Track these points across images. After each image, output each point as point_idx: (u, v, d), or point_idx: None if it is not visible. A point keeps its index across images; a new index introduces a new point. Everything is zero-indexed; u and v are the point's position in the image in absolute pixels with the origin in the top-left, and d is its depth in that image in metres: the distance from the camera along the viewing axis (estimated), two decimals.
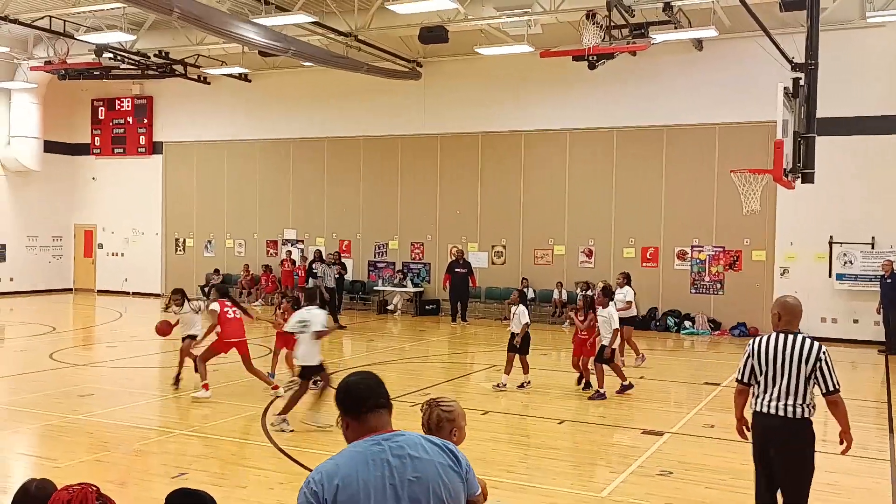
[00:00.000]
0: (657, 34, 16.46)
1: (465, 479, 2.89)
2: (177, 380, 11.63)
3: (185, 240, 26.20)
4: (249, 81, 24.48)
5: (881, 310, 16.78)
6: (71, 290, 27.58)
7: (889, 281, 16.59)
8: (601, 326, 11.65)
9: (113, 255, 27.28)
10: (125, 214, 26.83)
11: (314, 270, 21.71)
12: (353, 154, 23.55)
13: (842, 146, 17.41)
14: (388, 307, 22.62)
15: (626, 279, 14.40)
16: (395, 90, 22.26)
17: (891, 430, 10.03)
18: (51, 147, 26.26)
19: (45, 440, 9.06)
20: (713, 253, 19.53)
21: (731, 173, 13.15)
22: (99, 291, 27.26)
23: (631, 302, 14.27)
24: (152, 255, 26.51)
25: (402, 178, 22.98)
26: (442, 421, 3.74)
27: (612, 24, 15.55)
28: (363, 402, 2.89)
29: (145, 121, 26.59)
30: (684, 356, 16.66)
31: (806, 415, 5.27)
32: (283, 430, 9.19)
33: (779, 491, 5.50)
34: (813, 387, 5.30)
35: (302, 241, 24.28)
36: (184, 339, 11.72)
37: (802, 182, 11.01)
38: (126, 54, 21.16)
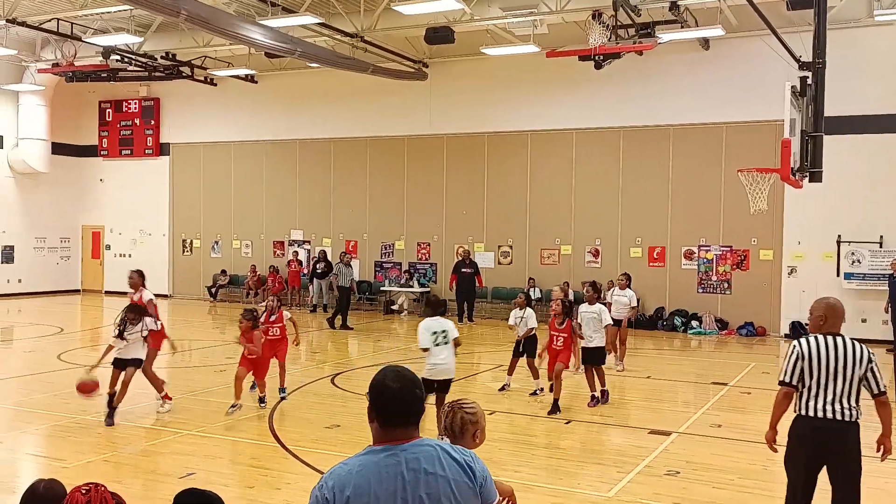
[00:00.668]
0: (664, 33, 16.43)
1: (479, 493, 2.79)
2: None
3: (192, 241, 26.27)
4: (256, 83, 24.53)
5: (889, 309, 16.70)
6: (79, 291, 27.68)
7: None
8: (588, 324, 11.11)
9: (120, 256, 27.36)
10: (133, 216, 26.91)
11: (318, 271, 21.78)
12: (360, 154, 23.58)
13: (849, 145, 17.34)
14: (394, 307, 22.63)
15: (629, 280, 14.10)
16: (401, 91, 22.28)
17: None
18: (58, 149, 26.35)
19: (53, 440, 9.10)
20: (720, 252, 19.48)
21: (739, 172, 13.12)
22: (107, 292, 27.35)
23: (636, 308, 14.09)
24: (160, 256, 26.59)
25: (408, 178, 22.99)
26: (466, 423, 3.71)
27: (619, 23, 15.53)
28: (397, 415, 2.76)
29: (152, 122, 26.67)
30: (691, 356, 16.62)
31: (859, 417, 5.21)
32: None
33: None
34: (861, 389, 5.23)
35: (309, 242, 24.31)
36: (128, 363, 9.89)
37: (810, 181, 10.98)
38: (133, 56, 21.23)
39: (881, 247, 17.66)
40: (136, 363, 9.78)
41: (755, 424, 10.19)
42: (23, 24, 18.85)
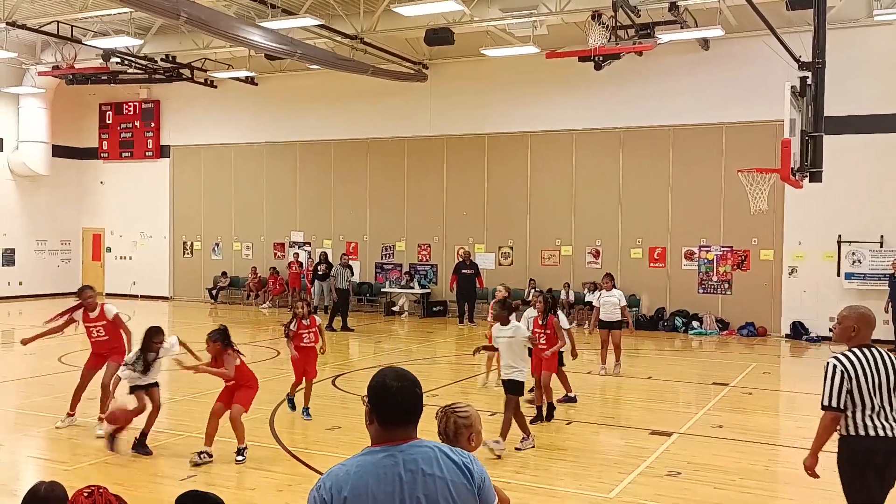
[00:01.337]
0: (663, 34, 16.44)
1: (478, 495, 2.78)
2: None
3: (192, 243, 26.28)
4: (256, 84, 24.54)
5: (890, 308, 16.70)
6: None
7: None
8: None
9: (121, 258, 27.38)
10: (133, 218, 26.93)
11: (319, 272, 21.79)
12: (360, 156, 23.59)
13: (849, 145, 17.33)
14: (394, 308, 22.64)
15: (613, 280, 13.58)
16: (401, 92, 22.29)
17: None
18: (59, 151, 26.37)
19: (54, 443, 9.10)
20: (721, 253, 19.48)
21: (739, 173, 13.13)
22: (107, 295, 27.34)
23: (626, 306, 13.54)
24: (160, 259, 26.60)
25: (408, 179, 23.00)
26: (460, 427, 3.71)
27: (618, 24, 15.54)
28: (396, 415, 2.75)
29: (153, 124, 26.69)
30: (692, 356, 16.61)
31: None
32: (494, 451, 8.25)
33: None
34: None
35: (309, 244, 24.32)
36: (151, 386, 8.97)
37: (810, 181, 10.98)
38: (133, 59, 21.25)
39: (882, 247, 17.66)
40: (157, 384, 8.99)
41: (756, 425, 10.20)
42: (23, 26, 18.87)
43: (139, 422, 8.56)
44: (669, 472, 7.95)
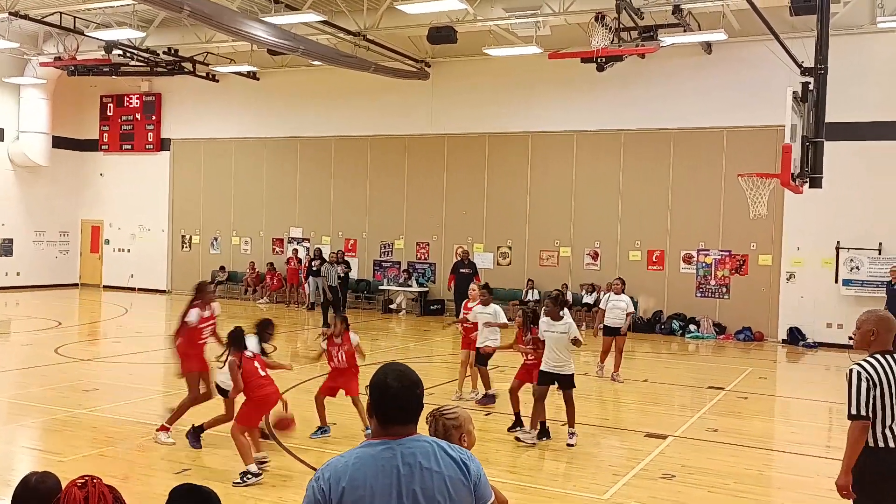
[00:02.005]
0: (666, 37, 16.44)
1: (474, 491, 2.80)
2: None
3: (191, 237, 26.26)
4: (258, 79, 24.53)
5: None
6: (77, 285, 27.67)
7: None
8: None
9: (119, 250, 27.36)
10: (132, 210, 26.90)
11: (313, 268, 21.81)
12: (361, 153, 23.58)
13: (851, 151, 17.33)
14: (392, 306, 22.63)
15: (624, 285, 13.30)
16: (403, 90, 22.27)
17: None
18: (59, 143, 26.34)
19: (49, 434, 9.09)
20: (719, 257, 19.49)
21: (739, 177, 13.12)
22: (105, 287, 27.34)
23: (633, 313, 13.26)
24: (158, 252, 26.58)
25: (408, 177, 22.99)
26: (449, 429, 3.74)
27: (621, 26, 15.53)
28: (396, 413, 2.78)
29: (154, 117, 26.66)
30: (689, 360, 16.61)
31: None
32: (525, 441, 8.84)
33: None
34: None
35: (308, 240, 24.31)
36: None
37: (810, 187, 10.97)
38: (135, 51, 21.22)
39: (880, 254, 17.67)
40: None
41: (751, 429, 10.21)
42: (25, 17, 18.84)
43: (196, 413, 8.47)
44: (664, 474, 7.96)
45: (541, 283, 20.95)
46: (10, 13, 18.41)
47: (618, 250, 20.45)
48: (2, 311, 21.31)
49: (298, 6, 17.88)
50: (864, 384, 4.56)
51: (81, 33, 20.34)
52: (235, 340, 7.77)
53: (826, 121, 10.69)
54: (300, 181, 24.49)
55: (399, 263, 23.11)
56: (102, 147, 27.49)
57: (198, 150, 26.05)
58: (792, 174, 10.14)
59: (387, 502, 2.68)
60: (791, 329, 18.45)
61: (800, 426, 10.81)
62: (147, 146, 26.76)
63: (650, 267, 20.05)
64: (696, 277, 19.71)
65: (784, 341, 18.50)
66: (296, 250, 24.09)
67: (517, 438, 8.94)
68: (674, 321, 19.54)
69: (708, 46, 18.95)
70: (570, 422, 9.05)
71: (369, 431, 9.35)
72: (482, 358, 10.65)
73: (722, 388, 12.74)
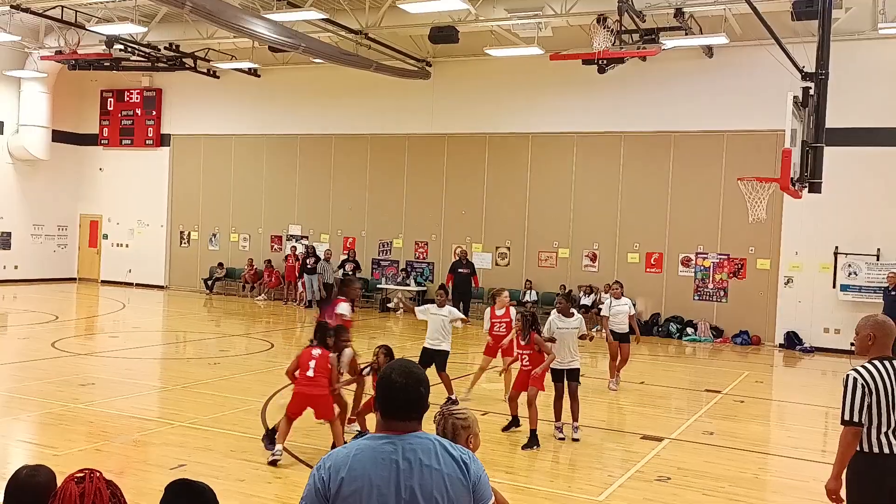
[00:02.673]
0: (668, 40, 16.45)
1: (473, 491, 2.80)
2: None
3: (189, 233, 26.25)
4: (259, 76, 24.52)
5: None
6: (75, 279, 27.65)
7: (893, 293, 16.53)
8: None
9: (118, 245, 27.34)
10: (131, 206, 26.89)
11: (308, 266, 21.83)
12: (360, 151, 23.57)
13: (850, 157, 17.34)
14: (389, 305, 22.63)
15: (623, 288, 12.79)
16: (403, 89, 22.27)
17: None
18: (59, 137, 26.31)
19: (45, 428, 9.09)
20: (717, 260, 19.50)
21: (739, 181, 13.13)
22: (102, 282, 27.32)
23: (634, 315, 12.73)
24: (157, 247, 26.56)
25: (408, 176, 22.99)
26: (458, 429, 3.76)
27: (623, 28, 15.54)
28: (398, 409, 2.80)
29: (154, 113, 26.64)
30: (686, 363, 16.62)
31: None
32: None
33: None
34: None
35: (307, 237, 24.30)
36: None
37: (809, 192, 10.99)
38: (136, 46, 21.21)
39: (878, 259, 17.69)
40: None
41: (747, 433, 10.22)
42: (27, 10, 18.83)
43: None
44: (659, 477, 7.96)
45: (539, 284, 20.96)
46: (12, 6, 18.39)
47: (616, 252, 20.45)
48: None
49: (300, 3, 17.88)
50: (858, 391, 4.55)
51: (83, 27, 20.33)
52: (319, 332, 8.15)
53: (826, 126, 10.70)
54: (299, 179, 24.49)
55: (397, 262, 23.11)
56: (102, 142, 27.46)
57: (198, 146, 26.04)
58: (791, 179, 10.16)
59: (384, 496, 2.70)
60: (788, 334, 18.47)
61: (796, 430, 10.82)
62: (147, 141, 26.74)
63: (648, 269, 20.05)
64: (695, 280, 19.72)
65: (781, 346, 18.52)
66: (294, 248, 24.09)
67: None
68: (671, 324, 19.55)
69: (709, 50, 18.96)
70: (575, 416, 9.32)
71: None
72: (442, 362, 10.33)
73: (718, 392, 12.75)
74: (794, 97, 10.36)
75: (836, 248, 18.08)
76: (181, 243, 26.39)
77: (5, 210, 25.41)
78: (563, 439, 9.20)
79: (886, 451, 4.56)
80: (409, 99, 22.57)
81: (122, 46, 20.96)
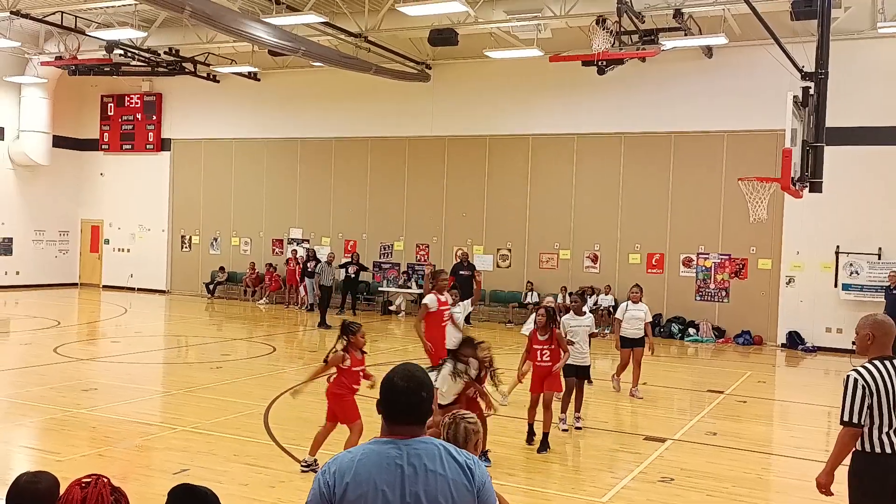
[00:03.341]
0: (667, 41, 16.45)
1: (477, 496, 2.80)
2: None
3: (190, 237, 26.26)
4: (259, 80, 24.55)
5: None
6: (76, 284, 27.66)
7: (895, 292, 16.54)
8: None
9: (119, 250, 27.35)
10: (132, 210, 26.90)
11: (309, 270, 21.83)
12: (361, 154, 23.58)
13: (851, 156, 17.34)
14: (391, 308, 22.63)
15: (642, 292, 12.16)
16: (403, 92, 22.28)
17: None
18: (59, 142, 26.35)
19: (47, 433, 9.09)
20: (719, 260, 19.49)
21: (739, 181, 13.13)
22: (104, 287, 27.33)
23: (649, 323, 12.05)
24: (158, 252, 26.57)
25: (408, 179, 23.00)
26: (469, 434, 3.81)
27: (622, 29, 15.55)
28: (400, 413, 2.80)
29: (154, 117, 26.67)
30: (688, 363, 16.61)
31: None
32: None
33: None
34: None
35: (308, 241, 24.31)
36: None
37: (810, 191, 10.99)
38: (136, 51, 21.24)
39: (880, 258, 17.68)
40: None
41: (750, 433, 10.21)
42: (27, 16, 18.85)
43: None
44: (662, 477, 7.96)
45: (540, 286, 20.95)
46: (12, 12, 18.42)
47: (617, 253, 20.45)
48: (1, 310, 21.31)
49: (299, 7, 17.89)
50: (859, 391, 4.54)
51: (83, 33, 20.35)
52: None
53: (826, 125, 10.70)
54: (300, 182, 24.50)
55: (398, 265, 23.11)
56: (103, 147, 27.49)
57: (198, 151, 26.06)
58: (792, 178, 10.15)
59: (389, 500, 2.69)
60: (790, 333, 18.46)
61: (799, 430, 10.81)
62: (147, 146, 26.76)
63: (650, 270, 20.04)
64: (696, 281, 19.71)
65: (783, 345, 18.51)
66: (295, 251, 24.10)
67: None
68: (673, 324, 19.54)
69: (709, 50, 18.97)
70: (578, 407, 9.96)
71: None
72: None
73: (721, 392, 12.74)
74: (794, 97, 10.36)
75: (838, 247, 18.07)
76: (182, 247, 26.40)
77: (6, 216, 25.43)
78: (566, 430, 9.64)
79: (888, 450, 4.55)
80: (409, 102, 22.59)
81: (122, 51, 21.00)
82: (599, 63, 16.19)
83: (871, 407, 4.54)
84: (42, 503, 2.80)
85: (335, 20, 18.53)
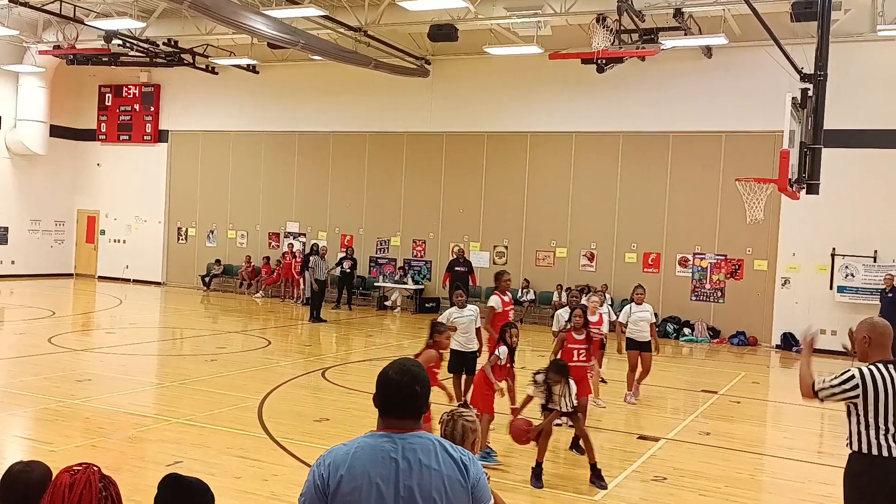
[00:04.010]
0: (667, 40, 16.44)
1: (472, 493, 2.80)
2: None
3: (187, 229, 26.22)
4: (257, 73, 24.49)
5: None
6: (72, 275, 27.60)
7: (890, 295, 16.56)
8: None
9: (115, 241, 27.30)
10: (128, 201, 26.85)
11: (308, 263, 21.74)
12: (359, 149, 23.56)
13: (848, 158, 17.35)
14: (387, 303, 22.62)
15: (645, 292, 11.83)
16: (402, 87, 22.25)
17: None
18: (56, 132, 26.28)
19: (41, 423, 9.07)
20: (715, 261, 19.52)
21: (737, 182, 13.13)
22: (100, 278, 27.28)
23: (654, 324, 11.80)
24: (154, 244, 26.52)
25: (406, 174, 22.98)
26: (467, 431, 3.83)
27: (622, 28, 15.54)
28: (393, 407, 2.81)
29: (152, 108, 26.60)
30: (682, 363, 16.63)
31: None
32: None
33: None
34: None
35: (304, 235, 24.28)
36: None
37: (807, 193, 10.99)
38: (135, 41, 21.18)
39: (875, 261, 17.71)
40: None
41: (743, 433, 10.23)
42: (25, 4, 18.78)
43: None
44: (655, 477, 7.97)
45: (536, 284, 20.97)
46: (10, 0, 18.35)
47: (614, 252, 20.46)
48: None
49: (299, 0, 17.85)
50: (849, 383, 4.58)
51: (81, 22, 20.28)
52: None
53: (825, 128, 10.71)
54: (297, 176, 24.46)
55: (395, 260, 23.10)
56: (100, 137, 27.41)
57: (196, 142, 26.00)
58: (789, 180, 10.16)
59: (383, 494, 2.70)
60: (785, 335, 18.49)
61: (791, 431, 10.83)
62: (145, 137, 26.70)
63: (646, 269, 20.06)
64: (692, 281, 19.73)
65: (778, 347, 18.54)
66: (291, 244, 24.07)
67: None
68: (668, 324, 19.56)
69: (708, 50, 18.97)
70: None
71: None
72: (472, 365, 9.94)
73: (715, 392, 12.76)
74: (793, 98, 10.37)
75: (834, 249, 18.10)
76: (178, 240, 26.36)
77: (3, 205, 25.37)
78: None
79: (886, 453, 4.54)
80: (408, 97, 22.56)
81: (120, 42, 20.94)
82: (599, 61, 16.19)
83: (856, 404, 4.57)
84: (34, 492, 2.79)
85: (335, 14, 18.50)
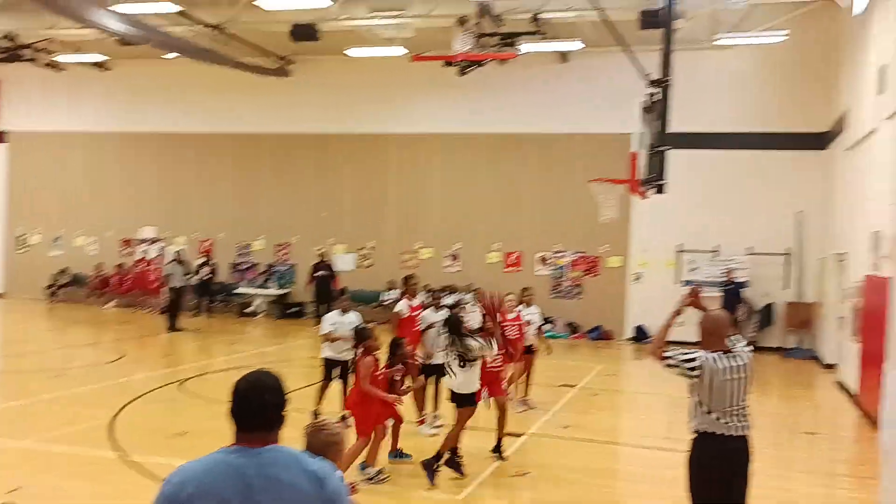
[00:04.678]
0: (524, 44, 16.85)
1: None
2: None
3: (28, 236, 24.49)
4: (109, 70, 23.22)
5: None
6: None
7: (729, 287, 17.92)
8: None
9: None
10: None
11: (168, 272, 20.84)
12: (219, 151, 22.79)
13: (693, 160, 18.33)
14: (247, 310, 21.94)
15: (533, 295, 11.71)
16: (264, 87, 21.68)
17: None
18: None
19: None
20: (573, 258, 20.22)
21: (590, 183, 13.63)
22: None
23: (541, 326, 11.75)
24: None
25: (269, 177, 22.44)
26: (328, 445, 3.80)
27: (483, 32, 15.79)
28: (243, 419, 2.73)
29: None
30: (543, 359, 17.05)
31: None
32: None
33: None
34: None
35: (161, 240, 23.22)
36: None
37: (656, 193, 11.55)
38: None
39: (717, 256, 18.88)
40: None
41: (602, 425, 10.63)
42: None
43: None
44: (518, 472, 8.13)
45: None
46: None
47: (477, 252, 20.79)
48: None
49: None
50: (693, 363, 5.02)
51: None
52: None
53: (672, 130, 11.28)
54: (153, 179, 23.36)
55: (257, 265, 22.51)
56: None
57: (39, 144, 24.33)
58: (639, 180, 10.66)
59: None
60: (637, 327, 19.40)
61: (644, 419, 11.36)
62: None
63: (508, 268, 20.51)
64: (552, 279, 20.35)
65: (631, 339, 19.43)
66: (146, 251, 22.96)
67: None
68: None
69: (563, 56, 19.61)
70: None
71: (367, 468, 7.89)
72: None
73: (573, 386, 13.20)
74: (642, 102, 10.88)
75: (680, 245, 19.16)
76: (18, 248, 24.58)
77: None
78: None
79: (727, 432, 4.95)
80: (271, 97, 22.04)
81: None
82: (460, 64, 16.38)
83: (700, 387, 4.98)
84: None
85: (192, 10, 17.76)
